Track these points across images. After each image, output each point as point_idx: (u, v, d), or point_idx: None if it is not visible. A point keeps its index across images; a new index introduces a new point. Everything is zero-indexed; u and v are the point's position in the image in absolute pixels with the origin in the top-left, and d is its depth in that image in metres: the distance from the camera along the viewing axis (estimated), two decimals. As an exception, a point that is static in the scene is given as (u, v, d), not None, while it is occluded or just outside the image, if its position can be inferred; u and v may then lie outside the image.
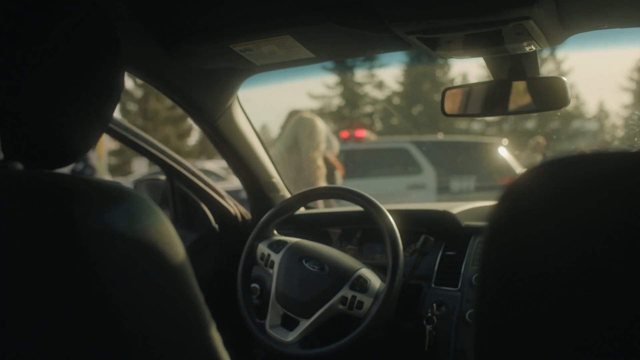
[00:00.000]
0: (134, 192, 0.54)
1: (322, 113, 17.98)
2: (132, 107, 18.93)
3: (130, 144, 1.57)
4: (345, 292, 1.34)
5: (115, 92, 0.66)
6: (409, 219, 1.51)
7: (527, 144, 6.42)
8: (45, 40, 0.58)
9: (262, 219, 1.51)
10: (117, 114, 1.01)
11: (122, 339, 0.48)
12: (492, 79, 1.28)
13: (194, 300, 0.55)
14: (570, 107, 1.25)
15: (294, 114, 3.39)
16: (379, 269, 1.44)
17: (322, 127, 3.16)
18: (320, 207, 2.13)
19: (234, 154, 1.64)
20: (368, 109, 17.96)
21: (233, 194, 1.86)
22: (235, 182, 2.53)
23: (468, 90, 1.33)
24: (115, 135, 1.54)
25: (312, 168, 3.05)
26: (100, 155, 7.64)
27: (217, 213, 1.74)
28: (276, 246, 1.46)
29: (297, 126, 3.10)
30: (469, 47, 1.08)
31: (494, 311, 0.44)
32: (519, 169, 5.42)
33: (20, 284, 0.46)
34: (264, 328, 1.38)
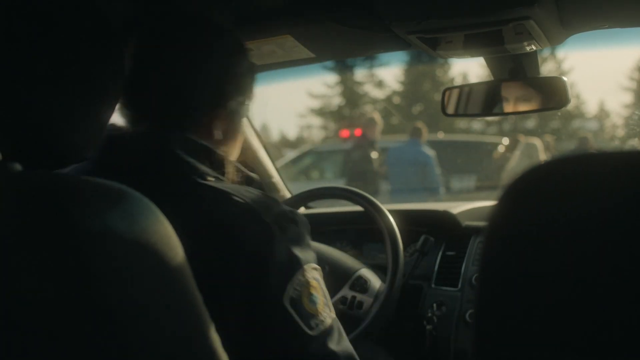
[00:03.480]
0: (133, 193, 0.54)
1: (322, 112, 17.96)
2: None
3: None
4: (345, 292, 1.34)
5: (114, 93, 0.66)
6: (409, 219, 1.51)
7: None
8: (45, 40, 0.58)
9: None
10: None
11: (120, 339, 0.48)
12: (492, 78, 1.28)
13: (193, 301, 0.55)
14: (570, 106, 1.25)
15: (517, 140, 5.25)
16: (379, 269, 1.43)
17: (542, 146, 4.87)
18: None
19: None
20: (368, 108, 17.95)
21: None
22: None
23: (468, 90, 1.33)
24: None
25: None
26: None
27: None
28: (276, 246, 1.46)
29: (528, 148, 4.75)
30: (469, 47, 1.08)
31: (494, 311, 0.44)
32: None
33: (19, 285, 0.46)
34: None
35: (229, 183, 0.84)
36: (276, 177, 1.77)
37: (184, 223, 0.63)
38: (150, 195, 0.72)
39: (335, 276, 1.36)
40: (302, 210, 1.72)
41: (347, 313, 1.33)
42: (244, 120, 0.95)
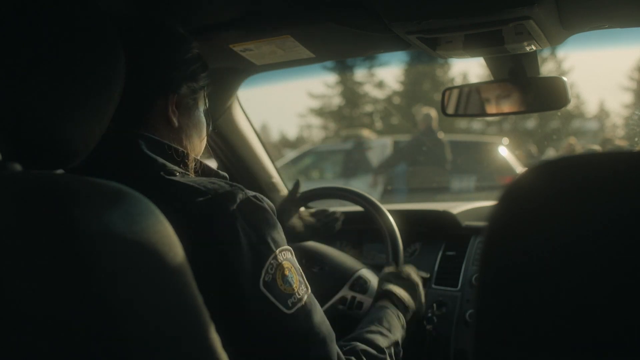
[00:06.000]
0: (133, 193, 0.54)
1: (322, 112, 17.97)
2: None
3: None
4: (345, 292, 1.33)
5: (114, 93, 0.66)
6: (409, 219, 1.51)
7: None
8: (45, 41, 0.58)
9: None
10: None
11: (120, 339, 0.48)
12: (492, 79, 1.28)
13: (193, 301, 0.55)
14: (570, 106, 1.25)
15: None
16: (379, 269, 1.43)
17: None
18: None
19: (234, 154, 1.64)
20: (368, 108, 17.96)
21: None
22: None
23: (468, 90, 1.33)
24: None
25: None
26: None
27: None
28: (276, 246, 1.46)
29: None
30: (469, 47, 1.08)
31: (494, 311, 0.44)
32: (520, 169, 5.47)
33: (19, 286, 0.46)
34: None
35: (193, 177, 0.87)
36: (276, 177, 1.77)
37: None
38: None
39: (335, 276, 1.36)
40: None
41: (347, 313, 1.33)
42: (203, 112, 0.97)
